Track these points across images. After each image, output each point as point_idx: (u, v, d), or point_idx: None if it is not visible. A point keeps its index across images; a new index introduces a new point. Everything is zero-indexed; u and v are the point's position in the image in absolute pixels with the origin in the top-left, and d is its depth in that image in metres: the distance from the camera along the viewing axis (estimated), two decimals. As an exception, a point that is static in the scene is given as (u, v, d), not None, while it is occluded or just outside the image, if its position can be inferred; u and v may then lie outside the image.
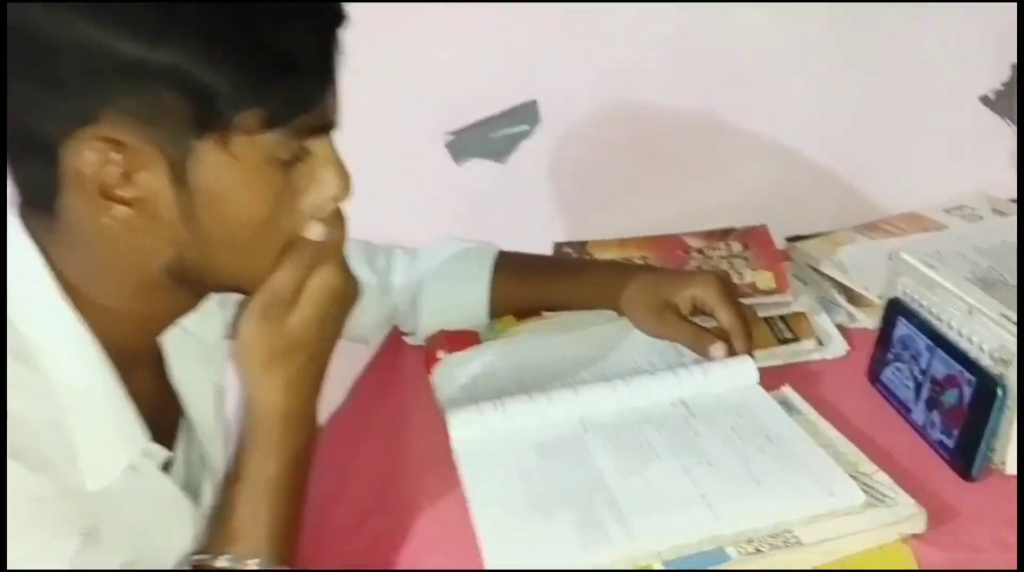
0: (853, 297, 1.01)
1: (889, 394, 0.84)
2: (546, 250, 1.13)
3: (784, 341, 0.94)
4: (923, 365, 0.79)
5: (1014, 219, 1.12)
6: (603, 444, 0.76)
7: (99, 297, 0.63)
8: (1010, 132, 1.20)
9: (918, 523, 0.68)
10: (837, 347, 0.94)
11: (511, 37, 1.04)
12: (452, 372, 0.90)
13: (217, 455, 0.77)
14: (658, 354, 0.88)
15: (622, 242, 1.14)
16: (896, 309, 0.85)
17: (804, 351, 0.93)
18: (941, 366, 0.77)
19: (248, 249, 0.63)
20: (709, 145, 1.14)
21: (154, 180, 0.58)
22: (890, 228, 1.15)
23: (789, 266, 1.05)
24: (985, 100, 1.18)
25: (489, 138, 1.09)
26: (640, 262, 1.07)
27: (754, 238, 1.11)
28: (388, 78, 1.01)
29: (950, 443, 0.75)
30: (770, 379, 0.84)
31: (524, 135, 1.10)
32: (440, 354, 0.93)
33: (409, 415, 0.89)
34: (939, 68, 1.14)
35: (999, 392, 0.70)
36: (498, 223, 1.13)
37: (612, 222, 1.16)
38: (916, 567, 0.66)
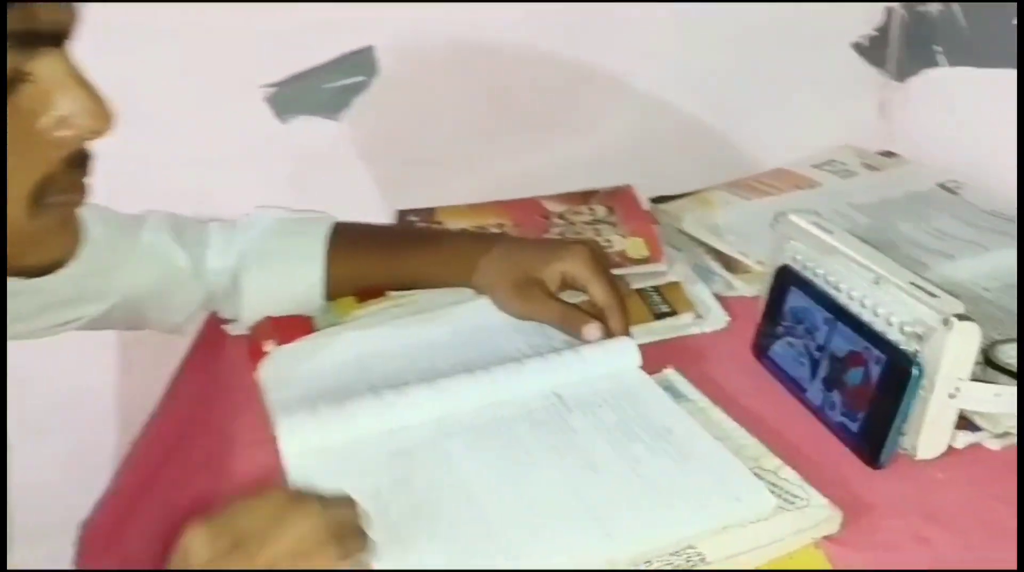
0: (729, 263, 0.93)
1: (779, 371, 0.76)
2: (388, 219, 1.00)
3: (660, 315, 0.84)
4: (820, 340, 0.71)
5: (888, 174, 1.06)
6: (468, 450, 0.64)
7: None
8: (881, 81, 1.14)
9: (832, 524, 0.59)
10: (717, 319, 0.84)
11: None
12: (283, 368, 0.76)
13: None
14: (525, 337, 0.77)
15: (474, 208, 1.02)
16: (786, 278, 0.76)
17: (682, 325, 0.83)
18: (842, 341, 0.69)
19: None
20: (569, 95, 1.03)
21: None
22: (761, 186, 1.07)
23: (660, 231, 0.95)
24: (857, 47, 1.12)
25: (318, 91, 0.93)
26: (497, 231, 0.95)
27: (620, 200, 1.01)
28: (197, 27, 0.84)
29: (854, 427, 0.67)
30: (648, 359, 0.74)
31: (359, 87, 0.95)
32: (268, 347, 0.79)
33: (234, 423, 0.74)
34: (811, 10, 1.06)
35: (915, 371, 0.62)
36: (331, 189, 0.99)
37: (462, 185, 1.04)
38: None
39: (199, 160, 0.93)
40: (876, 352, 0.65)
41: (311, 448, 0.64)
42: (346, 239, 0.84)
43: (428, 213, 1.01)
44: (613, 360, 0.71)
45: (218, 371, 0.83)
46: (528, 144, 1.04)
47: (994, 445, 0.66)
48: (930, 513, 0.61)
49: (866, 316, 0.67)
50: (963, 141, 1.07)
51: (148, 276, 0.80)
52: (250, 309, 0.83)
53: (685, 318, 0.83)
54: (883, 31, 1.11)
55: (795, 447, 0.67)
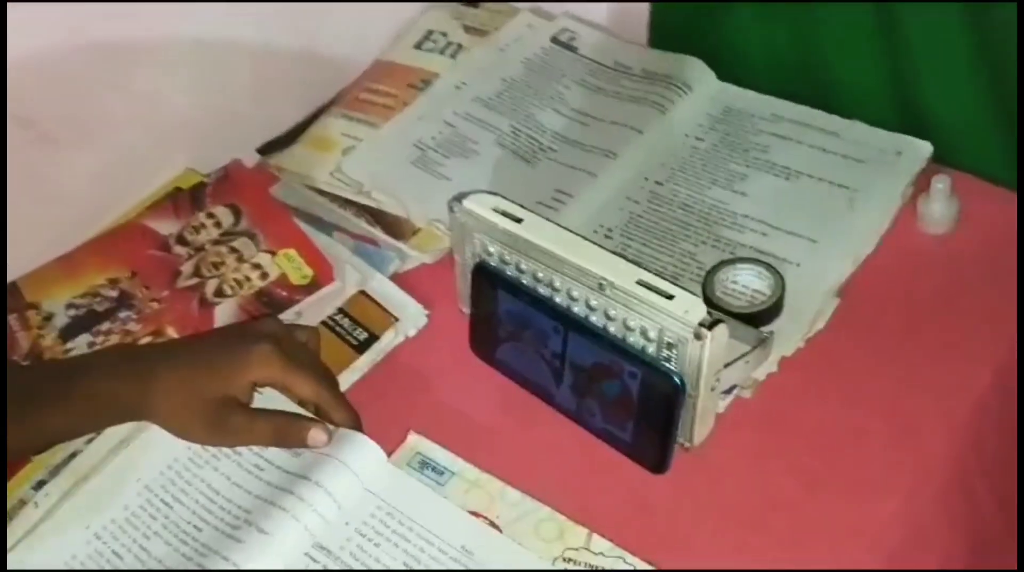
0: (391, 225, 0.82)
1: (515, 374, 0.69)
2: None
3: (361, 346, 0.73)
4: (555, 348, 0.65)
5: (497, 39, 0.96)
6: None
7: None
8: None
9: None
10: (414, 317, 0.75)
11: None
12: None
13: None
14: (236, 473, 0.63)
15: (65, 265, 0.80)
16: (487, 278, 0.68)
17: (386, 345, 0.73)
18: (583, 352, 0.63)
19: None
20: (114, 94, 0.81)
21: None
22: (373, 97, 0.93)
23: (303, 232, 0.80)
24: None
25: None
26: (141, 334, 0.75)
27: (238, 192, 0.84)
28: None
29: (625, 436, 0.63)
30: (364, 402, 0.65)
31: None
32: None
33: None
34: None
35: (678, 383, 0.58)
36: None
37: (36, 243, 0.81)
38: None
39: None
40: (628, 366, 0.60)
41: None
42: None
43: (13, 291, 0.78)
44: (355, 476, 0.61)
45: None
46: (82, 154, 0.82)
47: (747, 394, 0.66)
48: (715, 507, 0.61)
49: (598, 321, 0.62)
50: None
51: None
52: None
53: (387, 337, 0.73)
54: None
55: (575, 471, 0.64)
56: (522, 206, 0.66)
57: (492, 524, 0.60)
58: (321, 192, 0.86)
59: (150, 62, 0.82)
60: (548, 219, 0.65)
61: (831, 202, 0.75)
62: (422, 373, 0.72)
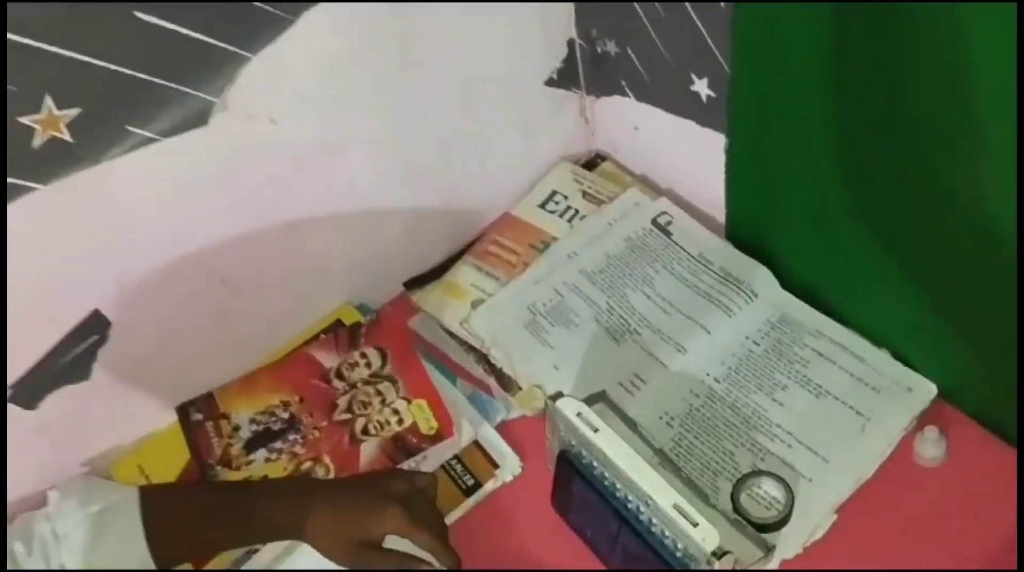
0: (503, 380, 1.04)
1: (582, 534, 0.91)
2: (171, 419, 1.03)
3: (468, 490, 0.96)
4: (613, 532, 0.86)
5: (606, 213, 1.15)
6: None
7: None
8: (577, 95, 1.20)
9: None
10: (512, 466, 0.98)
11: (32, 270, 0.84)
12: None
13: None
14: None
15: (249, 381, 1.05)
16: (569, 464, 0.89)
17: (488, 490, 0.96)
18: (632, 543, 0.84)
19: None
20: (289, 248, 1.03)
21: None
22: (500, 253, 1.15)
23: (431, 371, 1.03)
24: (550, 82, 1.16)
25: (59, 366, 0.91)
26: (304, 462, 0.98)
27: (385, 335, 1.07)
28: None
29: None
30: (460, 534, 0.88)
31: (100, 343, 0.93)
32: None
33: None
34: (495, 71, 1.08)
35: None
36: (105, 420, 0.99)
37: (227, 358, 1.06)
38: None
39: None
40: (661, 564, 0.82)
41: None
42: (161, 511, 0.87)
43: (208, 400, 1.03)
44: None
45: None
46: (264, 302, 1.05)
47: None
48: None
49: (645, 519, 0.83)
50: (657, 157, 1.19)
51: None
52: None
53: (489, 484, 0.96)
54: (570, 62, 1.15)
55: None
56: (599, 395, 0.88)
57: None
58: (451, 334, 1.09)
59: (321, 227, 1.04)
60: (618, 435, 0.86)
61: (847, 425, 0.93)
62: (511, 517, 0.94)
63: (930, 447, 0.90)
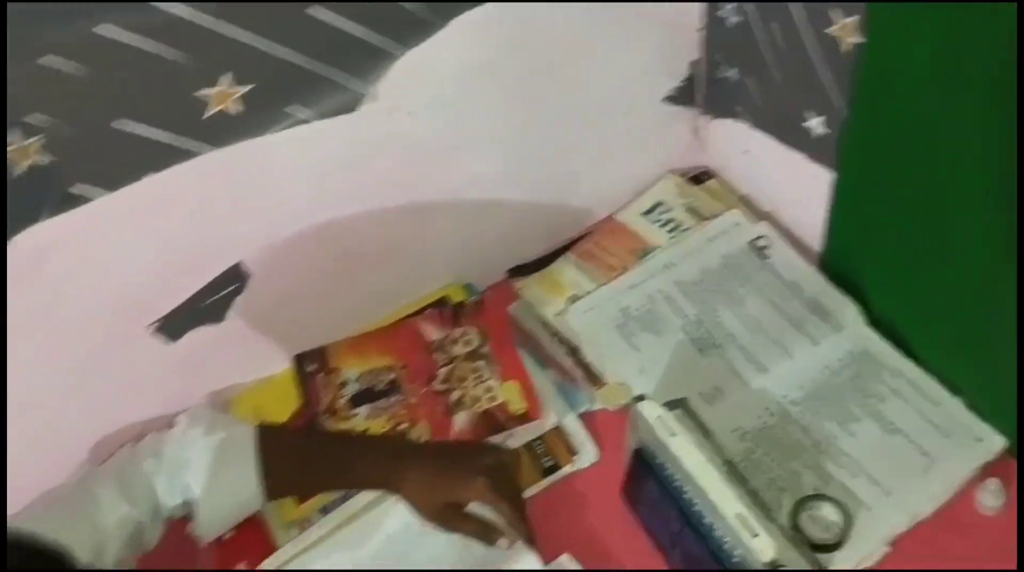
0: (590, 374, 1.11)
1: (646, 526, 0.99)
2: (287, 364, 1.13)
3: (547, 471, 1.04)
4: (674, 529, 0.93)
5: (706, 230, 1.21)
6: None
7: None
8: (692, 113, 1.25)
9: None
10: (588, 455, 1.05)
11: (190, 223, 0.95)
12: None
13: None
14: (446, 544, 0.96)
15: (360, 342, 1.14)
16: (642, 462, 0.96)
17: (564, 473, 1.04)
18: (690, 542, 0.91)
19: None
20: (409, 226, 1.12)
21: None
22: (601, 254, 1.22)
23: (525, 356, 1.11)
24: (669, 99, 1.22)
25: (200, 309, 1.02)
26: (400, 425, 1.08)
27: (488, 315, 1.15)
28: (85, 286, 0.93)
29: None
30: (536, 508, 0.95)
31: (237, 292, 1.03)
32: (241, 566, 0.99)
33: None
34: (619, 84, 1.15)
35: (746, 596, 0.86)
36: (232, 361, 1.10)
37: (341, 317, 1.15)
38: None
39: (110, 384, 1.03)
40: (717, 568, 0.88)
41: None
42: (275, 450, 0.97)
43: (321, 354, 1.13)
44: (521, 574, 0.93)
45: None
46: (381, 273, 1.14)
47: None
48: None
49: (707, 528, 0.90)
50: (762, 182, 1.24)
51: (117, 545, 0.94)
52: (208, 530, 0.98)
53: (566, 468, 1.04)
54: (690, 82, 1.21)
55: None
56: (679, 401, 0.95)
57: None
58: (545, 324, 1.16)
59: (438, 212, 1.13)
60: (691, 439, 0.93)
61: (912, 463, 0.98)
62: (582, 501, 1.02)
63: (990, 497, 0.94)
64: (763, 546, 0.84)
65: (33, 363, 0.93)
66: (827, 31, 0.95)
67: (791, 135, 1.11)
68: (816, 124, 1.06)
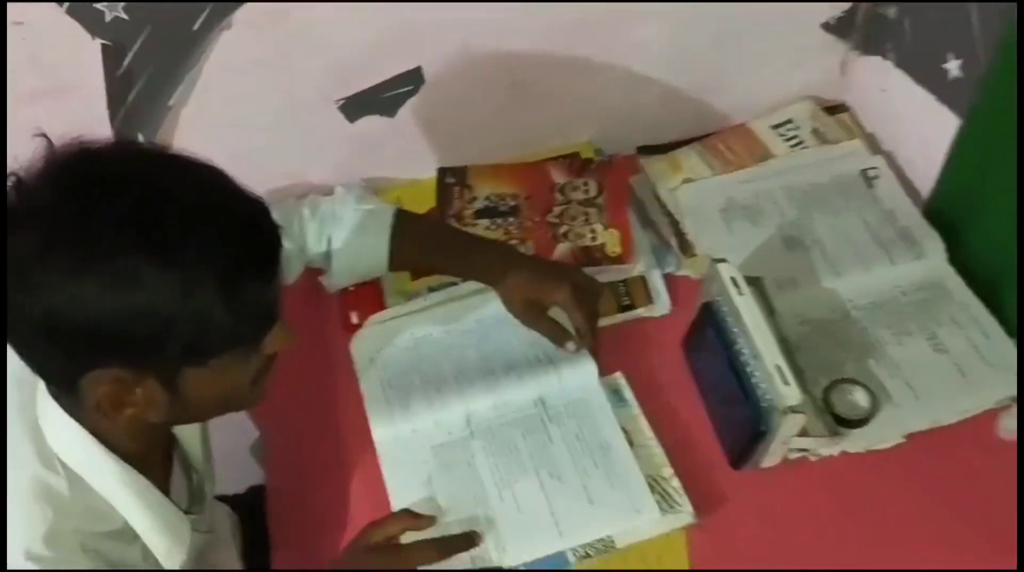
0: (684, 243, 1.25)
1: (695, 371, 1.12)
2: (431, 173, 1.31)
3: (624, 308, 1.18)
4: (719, 372, 1.06)
5: (825, 152, 1.32)
6: (484, 451, 1.04)
7: (122, 442, 0.85)
8: (843, 47, 1.35)
9: (692, 520, 1.00)
10: (662, 306, 1.19)
11: (392, 16, 1.12)
12: (364, 350, 1.14)
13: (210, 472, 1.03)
14: (524, 333, 1.11)
15: (496, 169, 1.31)
16: (708, 315, 1.09)
17: (637, 315, 1.18)
18: (730, 384, 1.04)
19: (227, 402, 0.87)
20: (569, 77, 1.27)
21: (151, 392, 0.78)
22: (725, 151, 1.34)
23: (632, 223, 1.25)
24: (826, 26, 1.32)
25: (379, 99, 1.20)
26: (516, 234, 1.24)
27: (609, 176, 1.29)
28: (288, 60, 1.13)
29: (729, 437, 1.05)
30: (605, 337, 1.11)
31: (411, 94, 1.21)
32: (354, 318, 1.17)
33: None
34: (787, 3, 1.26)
35: (763, 430, 0.99)
36: (389, 156, 1.28)
37: (487, 145, 1.32)
38: (686, 549, 1.00)
39: (290, 146, 1.24)
40: (749, 406, 1.01)
41: (389, 437, 1.05)
42: (407, 233, 1.13)
43: (461, 171, 1.30)
44: (580, 377, 1.08)
45: (316, 326, 1.19)
46: (534, 111, 1.30)
47: (813, 458, 1.05)
48: (766, 507, 1.02)
49: (748, 373, 1.02)
50: (890, 121, 1.33)
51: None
52: (338, 279, 1.16)
53: (640, 310, 1.18)
54: (850, 13, 1.31)
55: (690, 444, 1.07)
56: (755, 279, 1.07)
57: (629, 441, 1.05)
58: (658, 198, 1.30)
59: (597, 72, 1.27)
60: (756, 302, 1.05)
61: (949, 380, 1.07)
62: (647, 342, 1.16)
63: (1008, 420, 1.04)
64: (790, 393, 0.97)
65: (250, 96, 1.14)
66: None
67: (928, 75, 1.19)
68: (954, 67, 1.14)
